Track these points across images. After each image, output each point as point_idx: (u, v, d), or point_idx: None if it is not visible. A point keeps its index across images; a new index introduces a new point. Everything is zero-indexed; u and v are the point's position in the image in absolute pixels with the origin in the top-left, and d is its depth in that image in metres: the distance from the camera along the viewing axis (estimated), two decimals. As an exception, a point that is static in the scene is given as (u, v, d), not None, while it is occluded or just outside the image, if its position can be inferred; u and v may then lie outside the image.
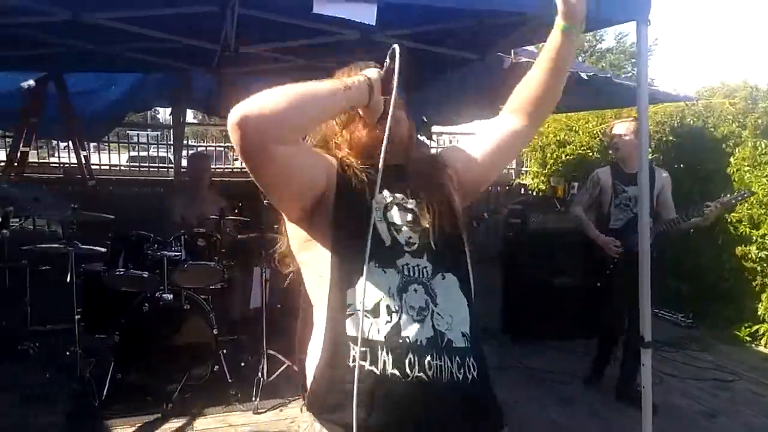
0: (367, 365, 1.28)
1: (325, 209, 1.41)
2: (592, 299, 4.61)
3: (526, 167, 9.85)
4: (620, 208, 4.13)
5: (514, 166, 10.15)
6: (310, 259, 1.45)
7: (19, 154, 6.36)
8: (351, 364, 1.28)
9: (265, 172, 1.33)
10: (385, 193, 1.46)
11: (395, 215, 1.44)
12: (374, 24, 2.34)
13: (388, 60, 1.43)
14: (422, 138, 4.76)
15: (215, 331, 4.09)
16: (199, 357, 3.99)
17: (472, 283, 1.47)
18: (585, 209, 4.30)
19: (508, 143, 1.64)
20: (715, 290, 6.03)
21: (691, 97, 6.38)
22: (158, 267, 4.08)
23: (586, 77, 4.58)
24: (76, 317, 4.05)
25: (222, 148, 11.49)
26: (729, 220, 5.72)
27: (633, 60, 25.46)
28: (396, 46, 1.40)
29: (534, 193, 8.71)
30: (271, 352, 4.25)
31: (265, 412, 3.86)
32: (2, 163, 6.42)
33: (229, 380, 4.07)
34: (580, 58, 25.33)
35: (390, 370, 1.28)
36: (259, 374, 4.09)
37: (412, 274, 1.37)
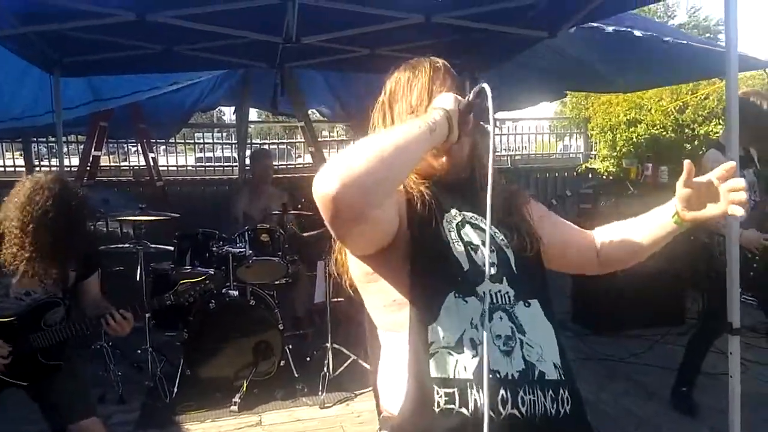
0: (456, 407, 1.18)
1: (400, 243, 1.27)
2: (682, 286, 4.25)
3: (595, 151, 9.44)
4: None
5: (582, 151, 9.76)
6: (379, 288, 1.33)
7: (91, 159, 6.61)
8: (437, 409, 1.18)
9: (355, 233, 1.20)
10: (453, 211, 1.34)
11: (470, 234, 1.31)
12: None
13: (471, 95, 1.27)
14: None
15: (281, 326, 4.09)
16: (265, 352, 4.00)
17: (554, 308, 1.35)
18: None
19: (574, 251, 1.57)
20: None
21: None
22: (224, 263, 4.12)
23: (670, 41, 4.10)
24: (147, 315, 4.13)
25: (285, 146, 11.57)
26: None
27: (708, 35, 24.22)
28: (485, 85, 1.23)
29: (605, 177, 8.35)
30: (336, 346, 4.22)
31: (332, 406, 3.83)
32: (75, 168, 6.62)
33: (296, 375, 4.07)
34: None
35: (481, 409, 1.17)
36: (325, 369, 4.07)
37: (495, 301, 1.25)
